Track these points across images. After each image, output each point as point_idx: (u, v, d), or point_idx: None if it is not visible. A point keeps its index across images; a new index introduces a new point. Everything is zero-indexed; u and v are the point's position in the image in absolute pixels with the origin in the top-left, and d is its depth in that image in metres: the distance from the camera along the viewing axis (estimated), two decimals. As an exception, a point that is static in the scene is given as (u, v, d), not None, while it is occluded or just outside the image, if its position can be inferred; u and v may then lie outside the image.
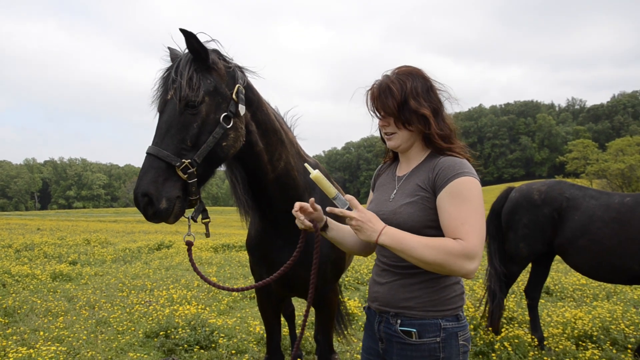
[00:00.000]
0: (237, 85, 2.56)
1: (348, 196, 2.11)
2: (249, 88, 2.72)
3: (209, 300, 8.32)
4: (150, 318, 6.83)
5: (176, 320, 6.37)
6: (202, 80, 2.43)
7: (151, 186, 2.27)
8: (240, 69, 2.72)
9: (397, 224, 2.09)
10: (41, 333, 6.15)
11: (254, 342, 5.91)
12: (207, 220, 2.52)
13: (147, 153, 2.34)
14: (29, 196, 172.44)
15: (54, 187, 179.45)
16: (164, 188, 2.30)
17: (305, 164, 2.31)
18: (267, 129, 2.85)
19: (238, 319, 7.11)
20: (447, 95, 2.23)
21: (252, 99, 2.74)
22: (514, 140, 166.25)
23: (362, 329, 6.55)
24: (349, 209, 2.10)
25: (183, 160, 2.33)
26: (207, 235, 2.54)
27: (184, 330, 5.99)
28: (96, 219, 55.75)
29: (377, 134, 2.38)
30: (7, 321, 6.75)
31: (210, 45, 2.58)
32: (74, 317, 7.05)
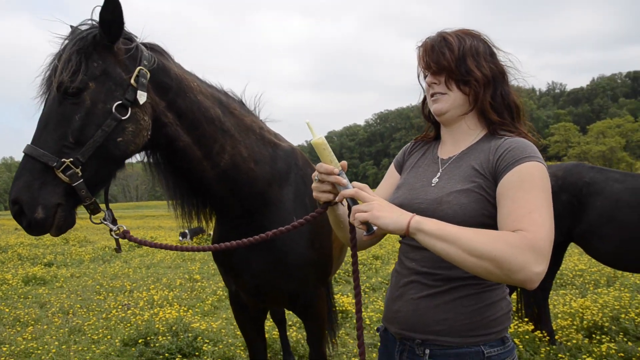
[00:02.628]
0: (138, 68, 2.07)
1: (357, 184, 1.62)
2: (161, 71, 2.22)
3: (192, 300, 7.83)
4: (128, 324, 6.32)
5: (156, 325, 5.87)
6: (84, 62, 1.97)
7: (23, 192, 1.88)
8: (152, 48, 2.26)
9: (442, 217, 1.59)
10: (5, 348, 5.59)
11: (242, 348, 5.42)
12: (117, 232, 2.07)
13: (23, 153, 1.93)
14: (8, 195, 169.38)
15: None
16: (40, 194, 1.89)
17: (307, 121, 1.73)
18: (195, 118, 2.33)
19: (223, 320, 6.63)
20: (512, 67, 1.82)
21: (168, 84, 2.24)
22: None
23: (355, 327, 6.12)
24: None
25: (63, 159, 1.90)
26: (118, 250, 2.18)
27: (164, 337, 5.50)
28: (77, 216, 54.72)
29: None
30: (-30, 333, 6.19)
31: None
32: (45, 326, 6.50)
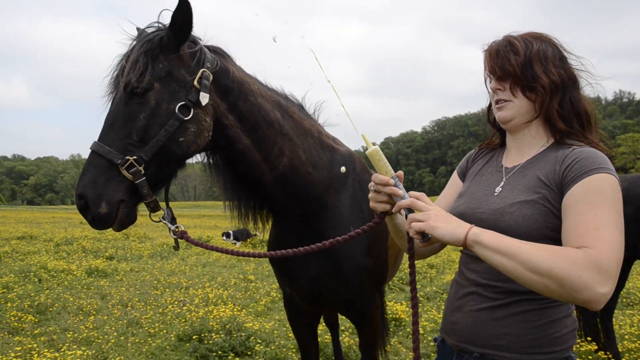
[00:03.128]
0: (201, 70, 2.12)
1: (414, 193, 1.58)
2: (223, 73, 2.25)
3: (246, 300, 7.91)
4: (183, 320, 6.45)
5: (210, 323, 5.96)
6: (151, 64, 2.03)
7: (89, 187, 1.95)
8: (214, 50, 2.30)
9: (503, 229, 1.53)
10: (70, 334, 5.83)
11: (294, 350, 5.43)
12: (177, 230, 2.16)
13: (90, 149, 2.01)
14: (74, 190, 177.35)
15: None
16: (104, 190, 1.96)
17: (362, 134, 1.70)
18: (255, 121, 2.35)
19: (276, 322, 6.65)
20: (585, 74, 1.72)
21: (230, 86, 2.27)
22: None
23: (410, 335, 6.01)
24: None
25: (127, 157, 1.97)
26: (176, 248, 2.27)
27: (218, 335, 5.57)
28: (138, 213, 56.61)
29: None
30: (37, 320, 6.48)
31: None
32: (105, 317, 6.72)
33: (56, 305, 7.17)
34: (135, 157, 1.98)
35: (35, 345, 5.39)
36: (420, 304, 7.77)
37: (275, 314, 7.21)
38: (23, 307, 6.89)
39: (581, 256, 1.33)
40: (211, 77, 2.16)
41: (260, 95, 2.41)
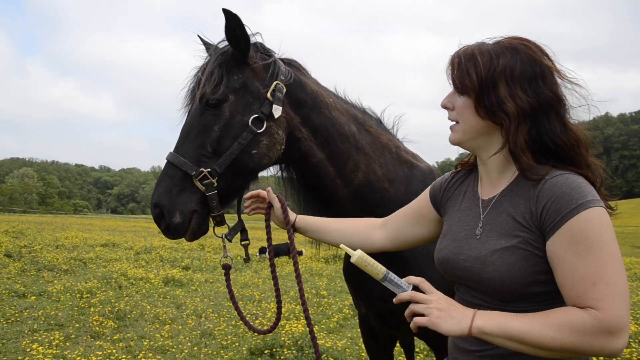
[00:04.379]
0: (274, 83, 2.10)
1: (414, 279, 1.49)
2: (297, 86, 2.21)
3: (318, 316, 7.82)
4: (255, 334, 6.43)
5: (282, 338, 5.91)
6: (226, 76, 2.04)
7: (164, 197, 1.98)
8: (289, 63, 2.28)
9: (489, 279, 1.42)
10: (146, 342, 5.96)
11: (367, 370, 5.27)
12: (246, 242, 2.17)
13: (165, 160, 2.04)
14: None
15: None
16: (178, 200, 1.98)
17: (342, 246, 1.72)
18: (329, 135, 2.28)
19: (348, 340, 6.51)
20: (579, 94, 1.50)
21: (304, 99, 2.22)
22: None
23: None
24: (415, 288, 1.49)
25: (202, 169, 1.98)
26: (247, 260, 2.22)
27: (289, 351, 5.50)
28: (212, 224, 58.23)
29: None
30: (117, 325, 6.69)
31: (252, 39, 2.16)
32: (180, 327, 6.83)
33: (134, 312, 7.39)
34: (209, 170, 1.98)
35: (114, 350, 5.54)
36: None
37: (347, 331, 7.07)
38: (104, 312, 7.14)
39: (589, 322, 1.25)
40: (284, 90, 2.13)
41: (335, 108, 2.34)
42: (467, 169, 1.75)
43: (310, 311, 8.02)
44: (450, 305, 1.40)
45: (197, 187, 1.98)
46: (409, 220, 1.88)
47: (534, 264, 1.38)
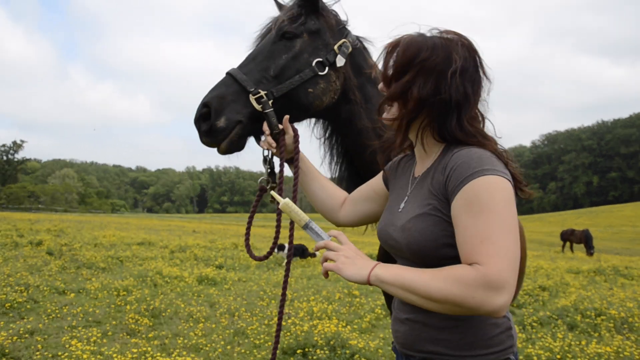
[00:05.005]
0: (342, 40, 2.28)
1: (333, 232, 1.68)
2: (361, 54, 2.38)
3: (350, 315, 7.81)
4: (288, 333, 6.46)
5: (315, 338, 5.92)
6: (304, 16, 2.22)
7: (216, 99, 2.03)
8: (358, 37, 2.42)
9: (406, 244, 1.59)
10: (180, 340, 6.05)
11: (399, 372, 5.23)
12: (274, 185, 2.14)
13: (226, 73, 2.12)
14: (189, 200, 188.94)
15: (210, 193, 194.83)
16: (229, 106, 2.03)
17: (272, 193, 1.94)
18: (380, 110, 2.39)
19: (381, 340, 6.48)
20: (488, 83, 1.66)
21: (364, 68, 2.37)
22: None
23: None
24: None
25: (259, 90, 2.06)
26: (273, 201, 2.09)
27: (322, 351, 5.51)
28: (246, 223, 58.75)
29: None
30: (152, 323, 6.80)
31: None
32: (214, 325, 6.92)
33: (169, 310, 7.51)
34: (266, 92, 2.08)
35: (149, 348, 5.64)
36: (534, 330, 7.26)
37: (380, 331, 7.04)
38: (140, 310, 7.28)
39: (472, 276, 1.35)
40: (350, 50, 2.29)
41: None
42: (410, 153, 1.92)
43: (342, 311, 8.02)
44: (357, 255, 1.57)
45: (250, 103, 2.06)
46: (362, 195, 2.05)
47: (443, 228, 1.53)
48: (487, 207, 1.41)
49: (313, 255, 14.83)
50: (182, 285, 9.67)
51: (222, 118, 2.02)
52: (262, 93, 2.06)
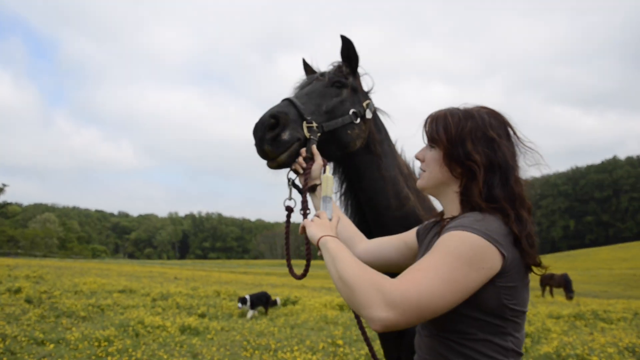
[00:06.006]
0: (368, 100, 2.65)
1: (319, 212, 2.02)
2: (378, 117, 2.76)
3: (333, 366, 7.78)
4: None
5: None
6: (348, 74, 2.61)
7: (282, 114, 2.20)
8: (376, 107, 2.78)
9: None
10: (162, 393, 5.98)
11: None
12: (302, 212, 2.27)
13: (284, 99, 2.36)
14: (171, 246, 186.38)
15: (192, 239, 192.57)
16: (291, 124, 2.23)
17: (327, 166, 2.27)
18: (394, 164, 2.75)
19: (364, 391, 6.48)
20: (533, 154, 1.82)
21: (381, 126, 2.76)
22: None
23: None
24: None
25: (312, 120, 2.30)
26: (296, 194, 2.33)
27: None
28: (228, 269, 58.21)
29: None
30: (134, 375, 6.72)
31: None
32: (197, 377, 6.85)
33: (151, 361, 7.42)
34: (317, 124, 2.32)
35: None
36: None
37: (363, 382, 7.03)
38: (121, 362, 7.19)
39: (381, 282, 1.46)
40: (373, 109, 2.67)
41: (396, 151, 2.85)
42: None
43: (325, 361, 7.98)
44: (325, 224, 1.88)
45: (302, 128, 2.26)
46: (392, 242, 2.16)
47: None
48: (445, 251, 1.50)
49: (274, 303, 14.63)
50: (165, 335, 9.57)
51: (287, 132, 2.20)
52: (314, 125, 2.29)
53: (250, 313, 13.17)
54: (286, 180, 2.32)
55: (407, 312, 1.41)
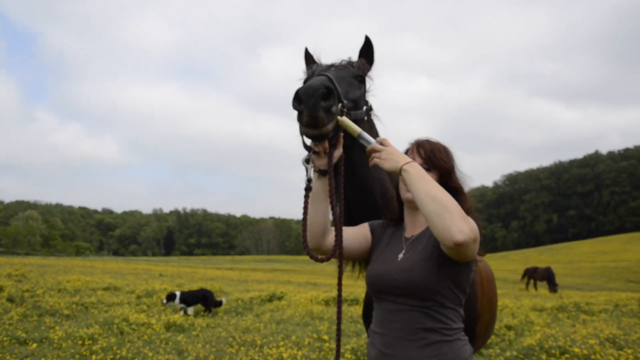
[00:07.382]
0: (369, 102, 2.80)
1: (381, 138, 2.30)
2: (371, 117, 2.87)
3: (319, 361, 7.81)
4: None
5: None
6: (367, 72, 2.77)
7: (333, 89, 2.22)
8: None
9: (405, 280, 2.20)
10: (147, 391, 5.96)
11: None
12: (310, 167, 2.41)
13: (322, 73, 2.47)
14: (156, 242, 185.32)
15: (178, 235, 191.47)
16: (337, 100, 2.30)
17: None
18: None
19: (350, 385, 6.50)
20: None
21: (372, 126, 2.85)
22: (636, 187, 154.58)
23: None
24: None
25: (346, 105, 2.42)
26: (308, 185, 2.40)
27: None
28: (214, 266, 57.93)
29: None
30: (118, 373, 6.68)
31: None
32: (182, 374, 6.83)
33: (136, 359, 7.39)
34: (346, 109, 2.41)
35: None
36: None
37: (348, 377, 7.06)
38: (106, 360, 7.14)
39: (464, 212, 2.02)
40: (372, 110, 2.81)
41: None
42: (394, 222, 2.54)
43: (311, 356, 8.02)
44: (397, 153, 2.19)
45: (339, 108, 2.33)
46: (356, 235, 2.51)
47: (440, 267, 2.17)
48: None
49: (219, 303, 13.23)
50: (150, 332, 9.51)
51: (335, 106, 2.25)
52: (346, 109, 2.39)
53: (190, 310, 12.40)
54: (300, 163, 2.41)
55: (475, 238, 2.00)
